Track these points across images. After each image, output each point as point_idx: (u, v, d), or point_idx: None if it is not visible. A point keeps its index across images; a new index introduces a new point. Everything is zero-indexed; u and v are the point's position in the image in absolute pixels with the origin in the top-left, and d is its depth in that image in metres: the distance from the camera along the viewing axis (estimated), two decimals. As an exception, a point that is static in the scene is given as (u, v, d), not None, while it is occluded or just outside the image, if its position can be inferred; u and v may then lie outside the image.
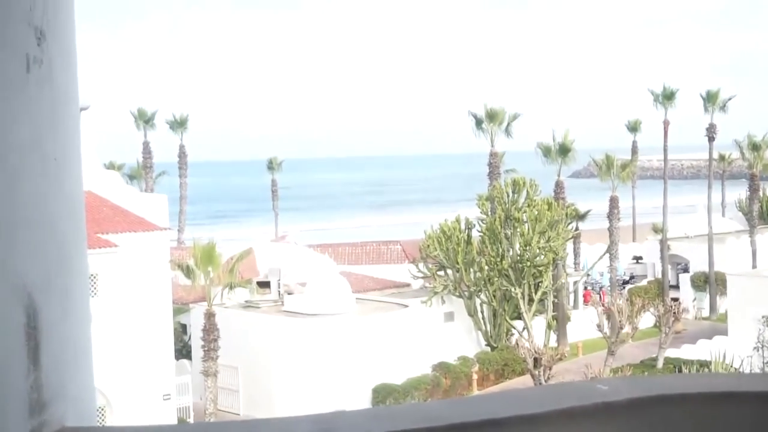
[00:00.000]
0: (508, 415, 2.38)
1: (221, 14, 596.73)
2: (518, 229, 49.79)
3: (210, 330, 39.10)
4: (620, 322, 42.90)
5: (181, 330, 47.08)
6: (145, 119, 73.27)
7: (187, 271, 39.17)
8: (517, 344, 42.80)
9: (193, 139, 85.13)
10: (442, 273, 50.51)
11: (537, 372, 39.63)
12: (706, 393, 2.62)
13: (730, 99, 65.37)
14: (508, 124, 56.85)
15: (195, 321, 43.49)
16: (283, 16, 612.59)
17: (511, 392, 2.67)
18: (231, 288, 40.02)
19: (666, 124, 66.09)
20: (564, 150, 57.40)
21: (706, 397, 2.60)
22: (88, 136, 39.19)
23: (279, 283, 46.62)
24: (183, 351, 45.40)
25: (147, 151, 72.52)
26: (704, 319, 59.67)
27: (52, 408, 2.31)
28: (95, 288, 34.22)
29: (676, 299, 54.26)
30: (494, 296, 49.82)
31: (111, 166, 63.32)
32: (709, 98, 64.83)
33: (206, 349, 39.12)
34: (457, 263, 49.78)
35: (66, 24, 2.50)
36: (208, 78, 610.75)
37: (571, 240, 57.55)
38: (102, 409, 34.63)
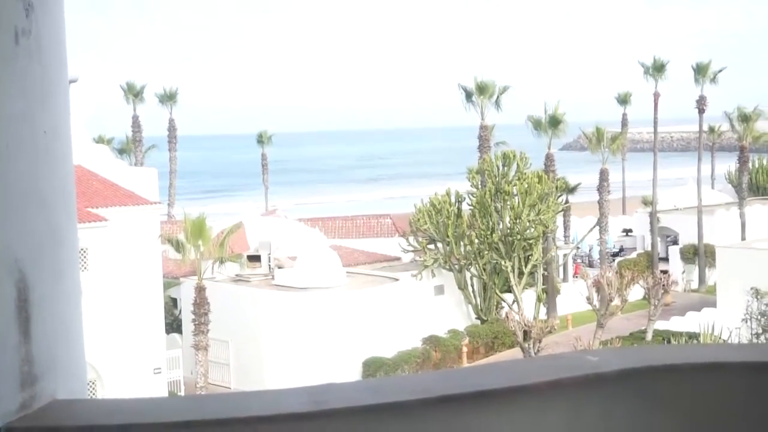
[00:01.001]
0: (497, 386, 2.39)
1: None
2: (508, 203, 49.83)
3: (200, 304, 39.13)
4: (609, 294, 43.05)
5: (172, 304, 47.11)
6: (134, 93, 72.98)
7: (178, 245, 39.15)
8: (507, 317, 42.94)
9: (183, 113, 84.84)
10: (432, 246, 50.58)
11: (527, 345, 39.80)
12: (694, 363, 2.64)
13: (720, 71, 65.40)
14: (498, 97, 56.80)
15: (185, 295, 43.51)
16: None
17: (501, 364, 2.68)
18: (221, 262, 40.03)
19: (656, 96, 66.08)
20: (554, 122, 57.38)
21: (694, 367, 2.62)
22: (78, 110, 39.04)
23: (269, 257, 46.64)
24: (173, 325, 45.45)
25: (136, 124, 72.31)
26: (693, 291, 59.92)
27: (43, 381, 2.32)
28: (85, 262, 34.19)
29: (665, 271, 54.43)
30: (484, 269, 49.92)
31: (100, 140, 63.17)
32: (699, 70, 64.80)
33: (197, 323, 39.16)
34: (447, 236, 49.84)
35: (54, -4, 2.49)
36: (197, 51, 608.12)
37: (561, 213, 57.64)
38: (93, 383, 34.70)
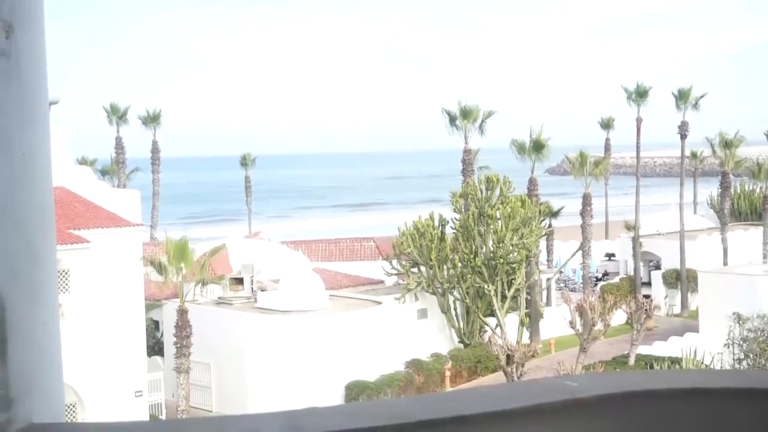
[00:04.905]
0: (477, 411, 2.38)
1: (193, 9, 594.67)
2: (491, 226, 49.86)
3: (182, 326, 38.97)
4: (592, 319, 43.08)
5: (154, 326, 46.90)
6: (117, 114, 72.86)
7: (160, 268, 39.00)
8: (490, 341, 42.91)
9: (167, 134, 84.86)
10: (415, 270, 50.53)
11: (509, 369, 39.76)
12: (674, 389, 2.63)
13: (701, 97, 65.87)
14: (482, 122, 57.01)
15: (167, 317, 43.34)
16: (257, 12, 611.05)
17: (480, 389, 2.67)
18: (203, 284, 39.88)
19: (639, 121, 66.44)
20: (538, 147, 57.58)
21: (674, 393, 2.61)
22: (60, 131, 38.97)
23: (252, 280, 46.52)
24: (155, 347, 45.24)
25: (120, 146, 72.19)
26: (676, 316, 60.06)
27: (20, 404, 2.30)
28: (67, 284, 34.03)
29: (647, 296, 54.59)
30: (467, 293, 49.90)
31: (83, 162, 62.99)
32: (681, 96, 65.23)
33: (179, 345, 38.99)
34: (431, 260, 49.82)
35: (35, 17, 2.48)
36: (182, 72, 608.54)
37: (544, 237, 57.72)
38: (73, 406, 34.48)
